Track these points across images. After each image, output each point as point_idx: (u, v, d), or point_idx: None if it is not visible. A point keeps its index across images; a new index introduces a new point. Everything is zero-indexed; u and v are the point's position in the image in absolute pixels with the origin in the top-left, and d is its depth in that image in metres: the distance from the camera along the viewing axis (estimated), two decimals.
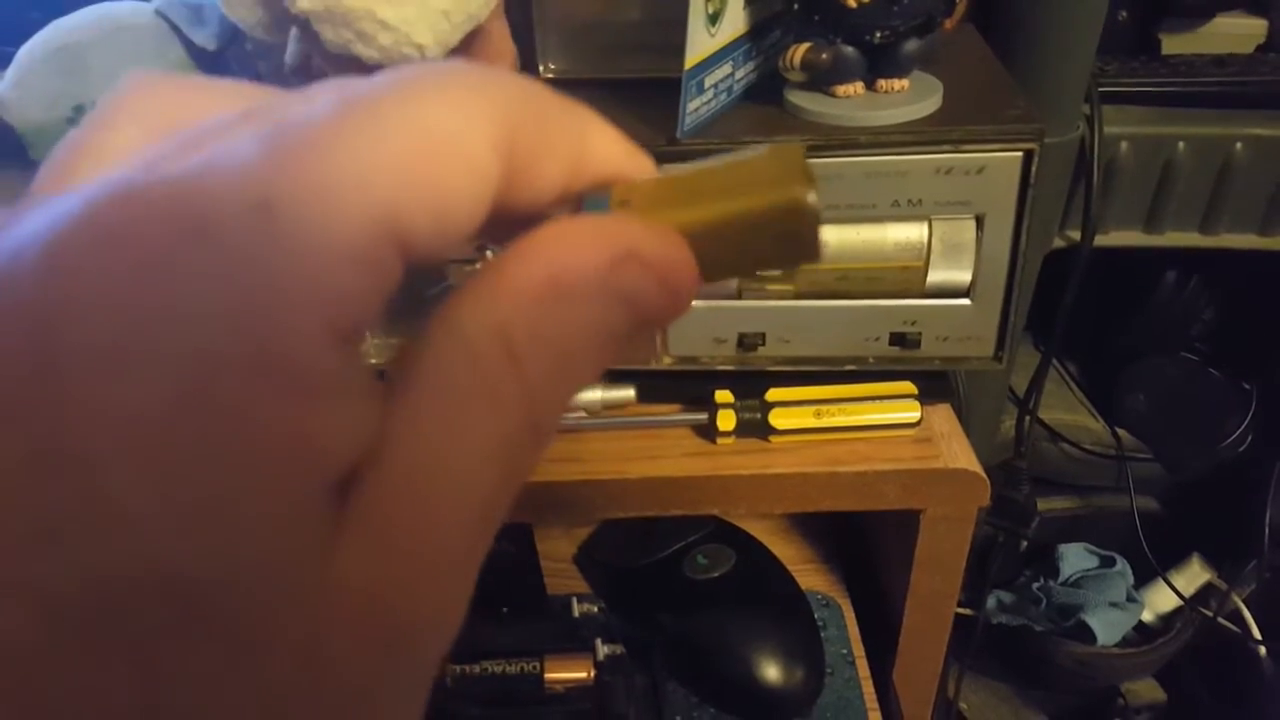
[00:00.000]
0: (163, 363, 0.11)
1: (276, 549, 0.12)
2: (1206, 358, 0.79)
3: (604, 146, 0.17)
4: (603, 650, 0.42)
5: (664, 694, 0.51)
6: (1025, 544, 0.77)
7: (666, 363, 0.51)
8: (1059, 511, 0.84)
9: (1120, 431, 0.81)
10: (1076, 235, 0.62)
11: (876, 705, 0.55)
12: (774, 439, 0.49)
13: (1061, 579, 0.82)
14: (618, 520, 0.65)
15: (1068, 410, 0.82)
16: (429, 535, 0.13)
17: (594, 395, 0.51)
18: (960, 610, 0.86)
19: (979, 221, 0.45)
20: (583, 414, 0.51)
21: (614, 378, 0.52)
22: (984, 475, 0.48)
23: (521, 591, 0.57)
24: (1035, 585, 0.82)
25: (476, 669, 0.41)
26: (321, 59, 0.47)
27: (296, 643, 0.12)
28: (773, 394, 0.50)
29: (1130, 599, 0.80)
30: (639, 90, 0.46)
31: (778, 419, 0.49)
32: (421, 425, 0.14)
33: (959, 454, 0.49)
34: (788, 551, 0.64)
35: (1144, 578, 0.83)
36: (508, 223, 0.15)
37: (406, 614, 0.13)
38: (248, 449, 0.12)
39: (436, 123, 0.13)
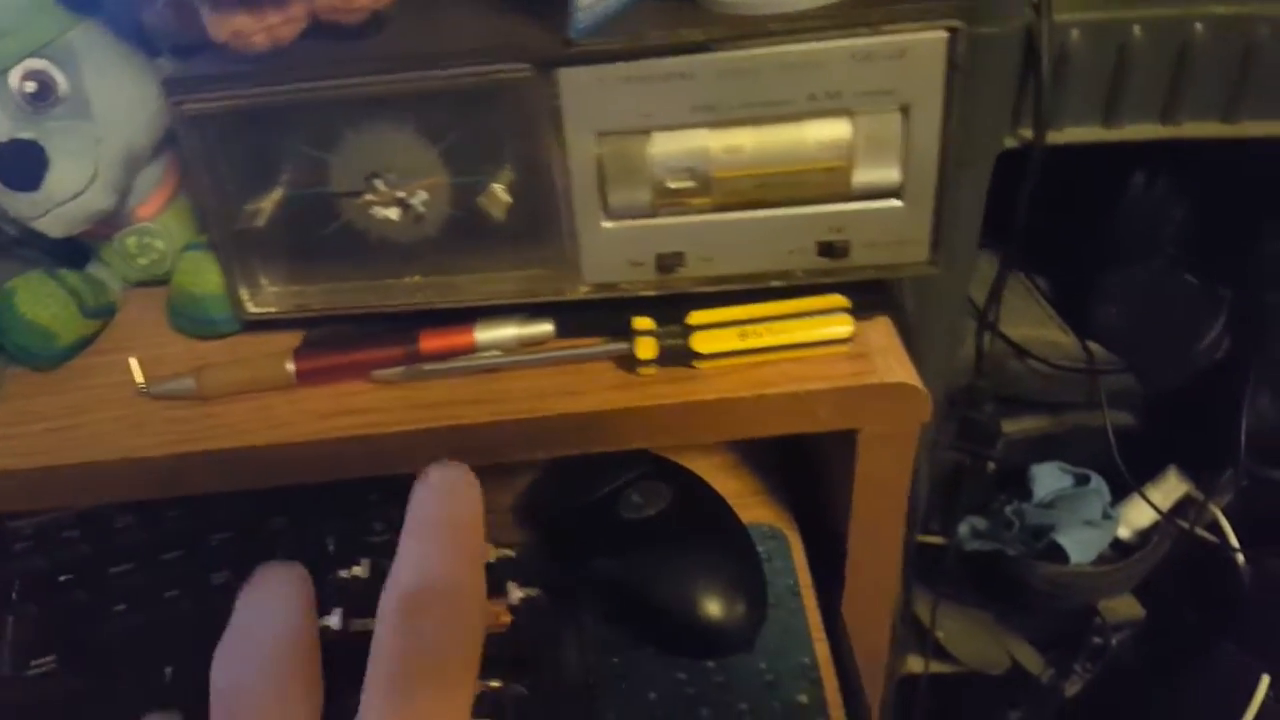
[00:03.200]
0: None
1: None
2: (1179, 262, 0.76)
3: None
4: (516, 594, 0.39)
5: (589, 636, 0.49)
6: (993, 466, 0.73)
7: (583, 292, 0.48)
8: (1031, 431, 0.81)
9: (1092, 345, 0.77)
10: (1030, 134, 0.58)
11: (824, 635, 0.52)
12: (699, 365, 0.46)
13: (1035, 500, 0.79)
14: (556, 466, 0.62)
15: (1036, 325, 0.79)
16: None
17: (510, 332, 0.48)
18: (932, 538, 0.83)
19: (904, 113, 0.41)
20: (498, 353, 0.48)
21: (532, 312, 0.49)
22: (924, 389, 0.45)
23: None
24: (1008, 509, 0.79)
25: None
26: None
27: None
28: (694, 317, 0.46)
29: (1106, 516, 0.77)
30: None
31: (700, 343, 0.45)
32: None
33: (895, 368, 0.45)
34: (735, 485, 0.61)
35: (1121, 494, 0.80)
36: None
37: None
38: None
39: None
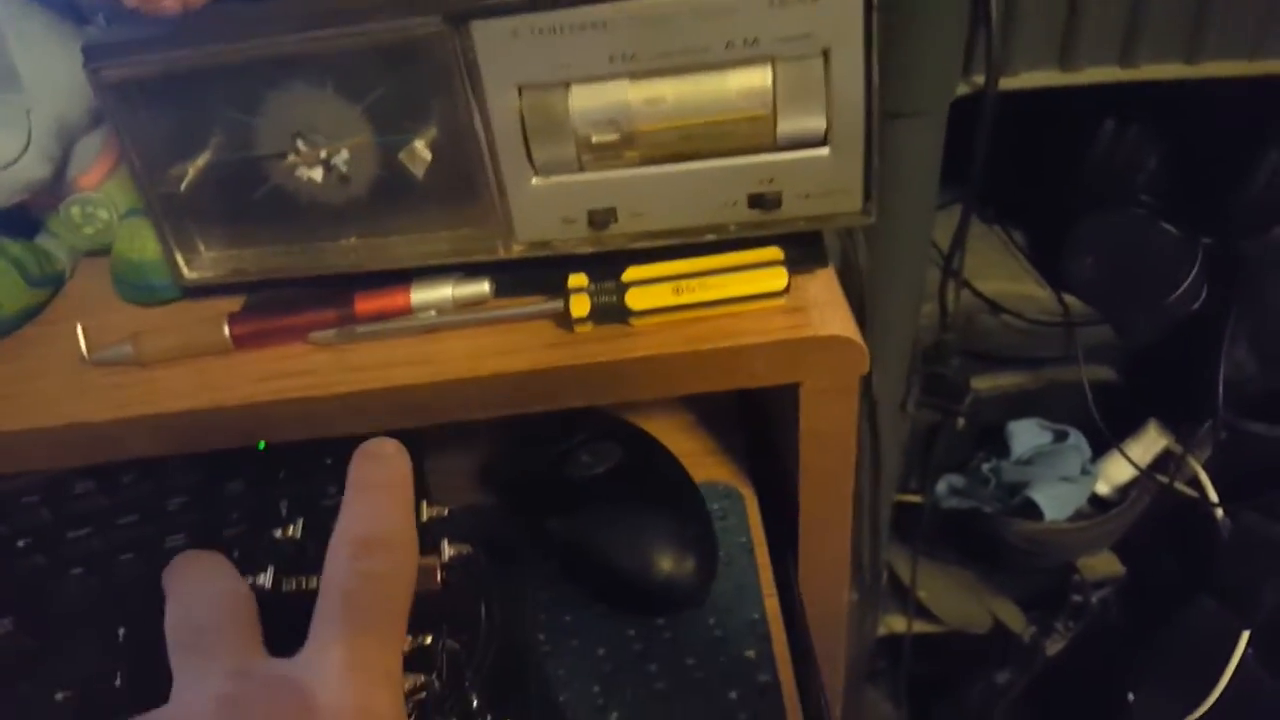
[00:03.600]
0: None
1: None
2: (1155, 211, 0.74)
3: None
4: (448, 551, 0.39)
5: (529, 593, 0.49)
6: (962, 422, 0.73)
7: (517, 251, 0.47)
8: (1008, 388, 0.80)
9: (1068, 299, 0.76)
10: (981, 80, 0.57)
11: (775, 591, 0.52)
12: (634, 321, 0.46)
13: (1014, 458, 0.79)
14: (514, 429, 0.62)
15: (1011, 280, 0.78)
16: None
17: (445, 292, 0.48)
18: (910, 497, 0.83)
19: (825, 58, 0.41)
20: (434, 313, 0.48)
21: (467, 272, 0.48)
22: (860, 341, 0.44)
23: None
24: (985, 466, 0.79)
25: (314, 581, 0.38)
26: None
27: None
28: (629, 274, 0.46)
29: (1084, 472, 0.76)
30: None
31: (635, 300, 0.45)
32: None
33: (832, 320, 0.45)
34: (692, 445, 0.61)
35: (1101, 450, 0.80)
36: None
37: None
38: None
39: None
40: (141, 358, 0.47)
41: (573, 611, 0.52)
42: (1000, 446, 0.80)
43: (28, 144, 0.46)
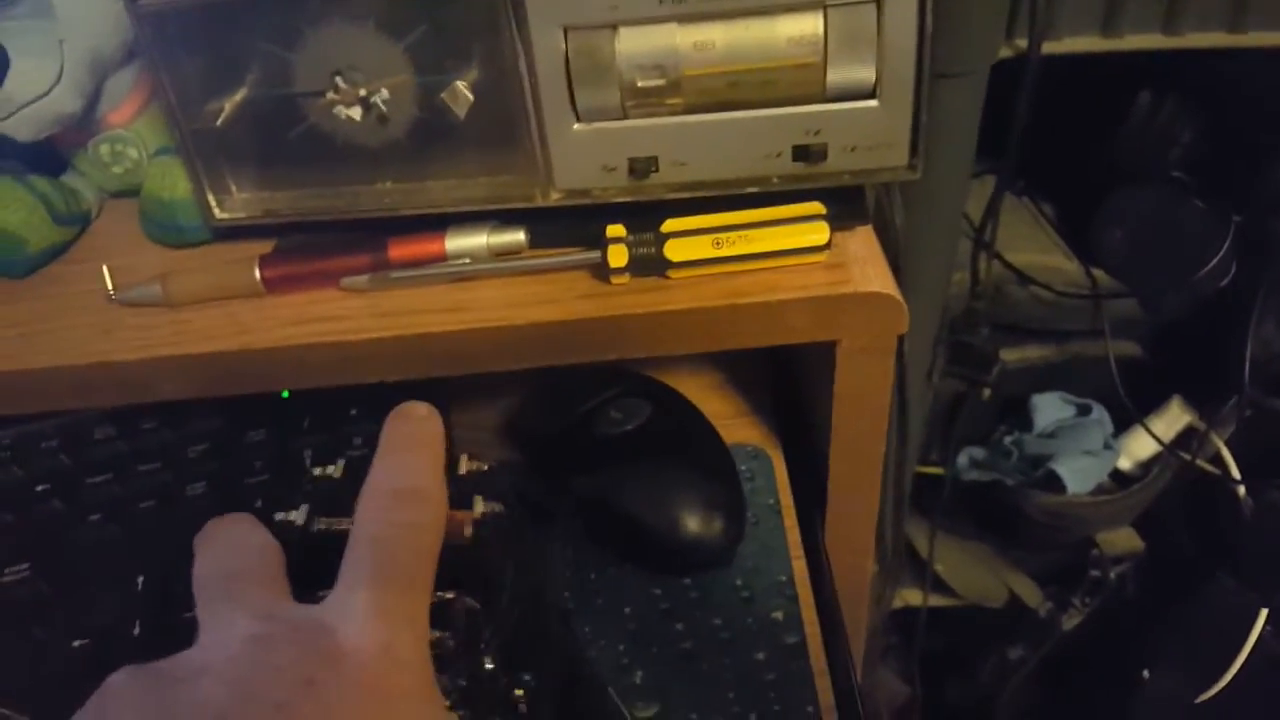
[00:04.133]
0: None
1: None
2: (1187, 186, 0.73)
3: None
4: (480, 507, 0.38)
5: (558, 552, 0.48)
6: (988, 393, 0.72)
7: (555, 198, 0.47)
8: (1033, 360, 0.80)
9: (1096, 273, 0.76)
10: (1024, 44, 0.56)
11: (802, 554, 0.52)
12: (672, 274, 0.45)
13: (1036, 430, 0.78)
14: (542, 385, 0.62)
15: (1040, 251, 0.77)
16: None
17: (481, 240, 0.47)
18: (931, 469, 0.82)
19: (879, 6, 0.40)
20: (468, 260, 0.47)
21: (503, 220, 0.48)
22: (900, 299, 0.44)
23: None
24: (1008, 439, 0.78)
25: (344, 524, 0.37)
26: None
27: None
28: (668, 225, 0.45)
29: (1107, 446, 0.76)
30: None
31: (673, 251, 0.44)
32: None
33: (873, 277, 0.44)
34: (722, 406, 0.60)
35: (1124, 425, 0.79)
36: None
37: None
38: None
39: None
40: (170, 298, 0.46)
41: (600, 570, 0.52)
42: (1023, 419, 0.80)
43: (60, 76, 0.46)
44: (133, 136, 0.52)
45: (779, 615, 0.50)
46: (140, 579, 0.49)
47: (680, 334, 0.45)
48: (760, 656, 0.48)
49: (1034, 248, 0.77)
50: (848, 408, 0.48)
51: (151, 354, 0.45)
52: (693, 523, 0.50)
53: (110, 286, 0.47)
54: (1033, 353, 0.79)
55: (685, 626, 0.50)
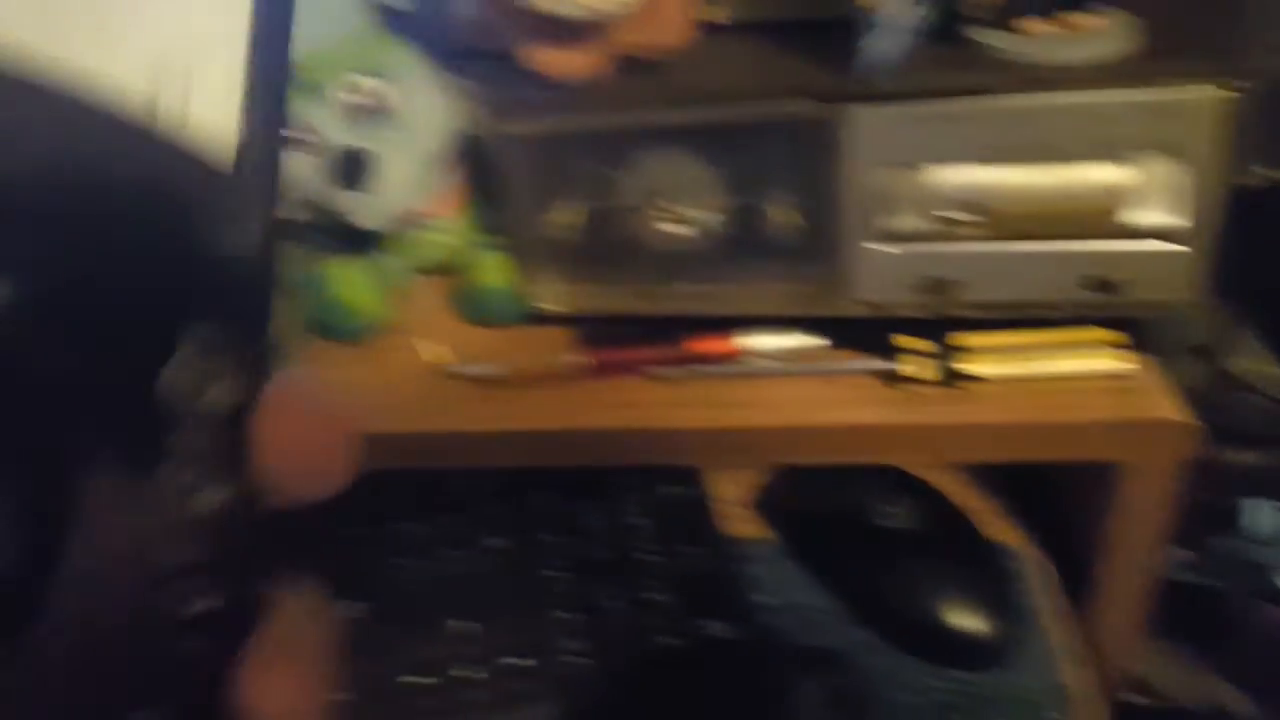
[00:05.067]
0: None
1: None
2: None
3: None
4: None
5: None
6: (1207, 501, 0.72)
7: (853, 310, 0.50)
8: (1243, 465, 0.79)
9: None
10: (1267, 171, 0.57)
11: (1074, 657, 0.53)
12: (967, 386, 0.48)
13: (1252, 535, 0.77)
14: (792, 468, 0.65)
15: (1248, 357, 0.77)
16: None
17: (778, 342, 0.51)
18: None
19: (1179, 160, 0.42)
20: (767, 361, 0.51)
21: (794, 325, 0.51)
22: (1191, 424, 0.46)
23: (695, 528, 0.58)
24: (1223, 543, 0.77)
25: None
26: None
27: None
28: (968, 340, 0.48)
29: None
30: (812, 32, 0.46)
31: (974, 365, 0.47)
32: None
33: (1163, 403, 0.46)
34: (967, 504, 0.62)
35: None
36: None
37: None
38: None
39: None
40: (507, 376, 0.51)
41: (862, 654, 0.54)
42: (1230, 523, 0.79)
43: (410, 177, 0.51)
44: (449, 225, 0.57)
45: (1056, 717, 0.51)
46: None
47: (974, 444, 0.48)
48: None
49: (1242, 352, 0.77)
50: (1126, 525, 0.50)
51: (490, 427, 0.50)
52: (972, 621, 0.52)
53: (448, 359, 0.52)
54: (1242, 457, 0.78)
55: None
